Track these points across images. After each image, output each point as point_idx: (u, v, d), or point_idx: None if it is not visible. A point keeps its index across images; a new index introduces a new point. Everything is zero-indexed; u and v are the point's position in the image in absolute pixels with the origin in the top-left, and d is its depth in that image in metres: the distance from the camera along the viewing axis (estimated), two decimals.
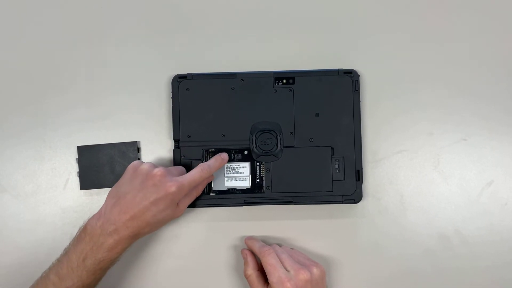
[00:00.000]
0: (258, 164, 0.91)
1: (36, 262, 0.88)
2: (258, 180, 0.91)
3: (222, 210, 0.93)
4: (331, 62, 0.93)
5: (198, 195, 0.89)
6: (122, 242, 0.81)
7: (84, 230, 0.82)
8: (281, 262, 0.84)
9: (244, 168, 0.91)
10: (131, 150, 0.92)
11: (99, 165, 0.92)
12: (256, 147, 0.90)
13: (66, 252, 0.82)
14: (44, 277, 0.81)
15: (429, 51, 0.94)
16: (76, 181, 0.93)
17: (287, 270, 0.82)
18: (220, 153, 0.89)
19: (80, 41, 0.95)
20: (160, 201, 0.81)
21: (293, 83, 0.91)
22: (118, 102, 0.94)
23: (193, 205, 0.90)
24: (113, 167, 0.92)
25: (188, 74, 0.92)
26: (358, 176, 0.90)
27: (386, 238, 0.93)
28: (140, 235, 0.83)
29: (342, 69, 0.91)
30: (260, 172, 0.91)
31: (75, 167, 0.93)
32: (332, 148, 0.90)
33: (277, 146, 0.90)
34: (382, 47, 0.94)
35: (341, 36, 0.95)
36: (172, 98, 0.91)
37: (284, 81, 0.91)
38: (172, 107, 0.91)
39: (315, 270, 0.83)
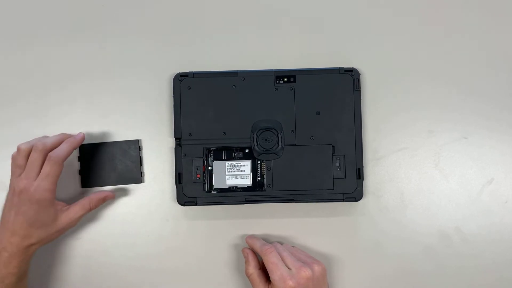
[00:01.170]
0: (259, 162, 0.91)
1: (36, 260, 0.88)
2: (259, 178, 0.91)
3: (223, 208, 0.93)
4: (332, 61, 0.93)
5: (92, 208, 0.89)
6: (14, 257, 0.83)
7: None
8: (283, 260, 0.84)
9: (245, 166, 0.91)
10: (133, 148, 0.92)
11: (101, 163, 0.92)
12: (257, 145, 0.90)
13: None
14: None
15: (429, 49, 0.94)
16: (76, 179, 0.93)
17: (289, 268, 0.83)
18: (75, 135, 0.90)
19: (81, 39, 0.95)
20: (28, 210, 0.83)
21: (294, 81, 0.91)
22: (119, 100, 0.94)
23: (194, 203, 0.90)
24: (114, 165, 0.92)
25: (190, 72, 0.92)
26: (359, 174, 0.90)
27: (387, 236, 0.93)
28: (31, 247, 0.85)
29: (343, 67, 0.91)
30: (261, 170, 0.91)
31: (75, 165, 0.93)
32: (333, 146, 0.90)
33: (278, 144, 0.90)
34: (382, 46, 0.94)
35: (342, 34, 0.95)
36: (173, 96, 0.91)
37: (285, 79, 0.91)
38: (174, 105, 0.91)
39: (316, 268, 0.83)
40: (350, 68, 0.91)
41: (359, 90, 0.91)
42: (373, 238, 0.93)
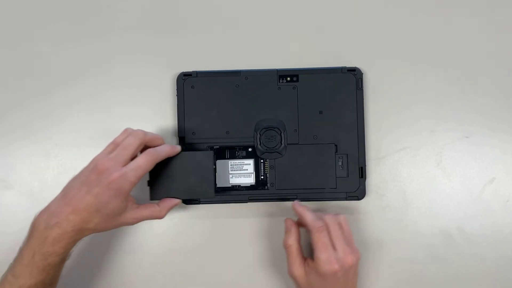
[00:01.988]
0: (262, 161, 0.91)
1: None
2: (262, 177, 0.91)
3: (226, 207, 0.93)
4: (334, 60, 0.93)
5: (161, 217, 0.85)
6: (65, 236, 0.77)
7: (32, 225, 0.80)
8: (331, 240, 0.83)
9: (248, 165, 0.92)
10: (206, 160, 0.87)
11: (172, 175, 0.87)
12: (260, 144, 0.91)
13: (20, 249, 0.80)
14: (3, 278, 0.79)
15: (432, 49, 0.94)
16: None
17: (336, 249, 0.83)
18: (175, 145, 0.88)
19: (85, 38, 0.95)
20: (102, 194, 0.77)
21: (297, 80, 0.92)
22: (123, 99, 0.94)
23: (197, 202, 0.91)
24: (186, 177, 0.87)
25: (193, 72, 0.92)
26: (362, 173, 0.91)
27: (389, 234, 0.93)
28: (85, 231, 0.79)
29: (345, 67, 0.92)
30: (264, 169, 0.91)
31: (81, 164, 0.93)
32: (336, 145, 0.91)
33: (281, 143, 0.91)
34: (385, 45, 0.95)
35: (344, 34, 0.95)
36: (177, 95, 0.92)
37: (288, 78, 0.92)
38: (177, 104, 0.92)
39: (358, 256, 0.84)
40: (353, 67, 0.92)
41: (362, 90, 0.91)
42: (375, 237, 0.93)
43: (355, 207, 0.93)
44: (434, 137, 0.94)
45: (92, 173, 0.79)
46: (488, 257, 0.93)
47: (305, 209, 0.87)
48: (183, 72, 0.92)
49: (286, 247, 0.87)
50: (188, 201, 0.91)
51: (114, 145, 0.82)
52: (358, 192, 0.91)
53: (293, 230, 0.87)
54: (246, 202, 0.91)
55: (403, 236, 0.92)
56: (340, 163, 0.91)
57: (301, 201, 0.90)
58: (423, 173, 0.94)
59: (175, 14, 0.96)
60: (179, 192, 0.87)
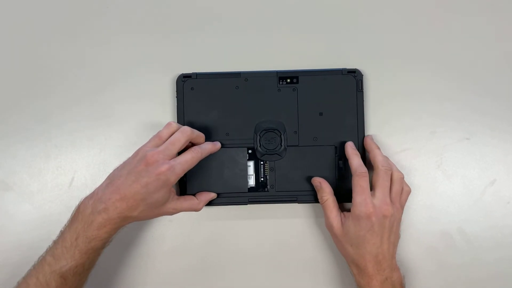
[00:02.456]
0: (262, 163, 0.91)
1: None
2: (262, 179, 0.91)
3: (226, 209, 0.93)
4: (334, 62, 0.93)
5: (198, 209, 0.88)
6: (111, 221, 0.80)
7: (77, 209, 0.82)
8: (375, 188, 0.85)
9: (248, 167, 0.91)
10: (241, 156, 0.91)
11: (208, 170, 0.91)
12: (260, 146, 0.91)
13: (61, 232, 0.82)
14: (41, 259, 0.81)
15: (432, 50, 0.94)
16: (81, 179, 0.93)
17: (375, 196, 0.84)
18: (214, 142, 0.90)
19: (85, 39, 0.95)
20: (150, 184, 0.80)
21: (297, 82, 0.91)
22: (123, 101, 0.94)
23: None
24: (221, 172, 0.91)
25: (193, 73, 0.92)
26: None
27: None
28: (129, 219, 0.82)
29: (345, 68, 0.91)
30: (264, 171, 0.91)
31: (80, 166, 0.93)
32: (336, 147, 0.90)
33: (281, 145, 0.90)
34: (385, 47, 0.95)
35: (345, 35, 0.95)
36: (176, 97, 0.92)
37: (288, 80, 0.91)
38: (177, 106, 0.92)
39: (397, 213, 0.85)
40: (353, 69, 0.91)
41: (362, 91, 0.91)
42: None
43: None
44: (434, 138, 0.93)
45: (140, 163, 0.81)
46: (489, 258, 0.93)
47: (355, 154, 0.88)
48: (182, 74, 0.92)
49: (322, 203, 0.88)
50: None
51: (159, 139, 0.85)
52: None
53: (324, 185, 0.89)
54: (246, 204, 0.91)
55: (404, 238, 0.92)
56: (340, 165, 0.90)
57: (301, 203, 0.91)
58: (423, 174, 0.94)
59: (175, 15, 0.95)
60: (215, 186, 0.91)
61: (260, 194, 0.91)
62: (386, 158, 0.88)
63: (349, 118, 0.91)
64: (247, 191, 0.91)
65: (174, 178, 0.81)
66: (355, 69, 0.92)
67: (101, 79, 0.94)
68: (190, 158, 0.84)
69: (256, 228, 0.93)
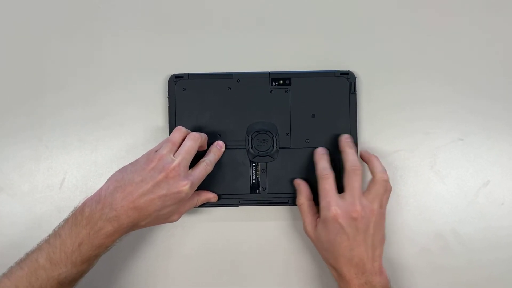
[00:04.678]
0: (253, 164, 0.91)
1: None
2: (253, 181, 0.91)
3: (217, 211, 0.93)
4: (327, 63, 0.92)
5: (197, 205, 0.88)
6: (120, 230, 0.77)
7: (81, 213, 0.77)
8: (345, 189, 0.83)
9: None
10: (244, 156, 0.91)
11: (218, 170, 0.89)
12: (252, 148, 0.90)
13: (59, 235, 0.77)
14: (32, 260, 0.76)
15: (425, 53, 0.94)
16: (72, 180, 0.93)
17: (344, 198, 0.82)
18: (216, 142, 0.89)
19: (76, 40, 0.95)
20: (168, 197, 0.78)
21: (290, 84, 0.91)
22: (114, 101, 0.94)
23: None
24: (224, 173, 0.90)
25: (185, 74, 0.91)
26: None
27: None
28: (137, 227, 0.79)
29: (338, 70, 0.91)
30: (255, 172, 0.90)
31: (71, 167, 0.93)
32: (328, 149, 0.90)
33: (273, 147, 0.90)
34: (379, 49, 0.94)
35: (338, 37, 0.94)
36: (168, 97, 0.91)
37: (281, 82, 0.91)
38: (168, 106, 0.91)
39: (373, 213, 0.82)
40: (346, 71, 0.91)
41: (355, 93, 0.91)
42: None
43: None
44: (428, 139, 0.93)
45: (158, 173, 0.78)
46: (483, 260, 0.92)
47: (321, 158, 0.87)
48: (174, 74, 0.92)
49: (298, 206, 0.87)
50: None
51: (173, 144, 0.82)
52: None
53: (302, 188, 0.88)
54: (237, 206, 0.91)
55: (397, 240, 0.92)
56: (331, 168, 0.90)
57: (293, 205, 0.90)
58: (417, 175, 0.93)
59: (167, 15, 0.95)
60: (217, 187, 0.90)
61: (252, 196, 0.90)
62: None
63: (341, 120, 0.90)
64: (249, 192, 0.90)
65: (191, 193, 0.81)
66: (348, 71, 0.91)
67: (92, 80, 0.94)
68: (204, 173, 0.84)
69: (248, 230, 0.93)
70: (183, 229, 0.93)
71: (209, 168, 0.85)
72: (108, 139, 0.93)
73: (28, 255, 0.78)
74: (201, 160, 0.85)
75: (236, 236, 0.93)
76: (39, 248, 0.78)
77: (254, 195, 0.91)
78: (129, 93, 0.94)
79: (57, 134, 0.93)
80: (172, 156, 0.80)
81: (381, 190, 0.84)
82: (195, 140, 0.83)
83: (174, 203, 0.80)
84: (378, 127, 0.93)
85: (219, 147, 0.89)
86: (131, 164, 0.81)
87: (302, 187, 0.88)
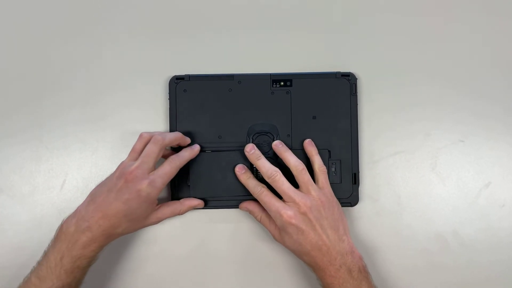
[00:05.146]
0: (254, 166, 0.90)
1: (32, 263, 0.86)
2: None
3: (217, 212, 0.93)
4: (328, 65, 0.92)
5: (181, 213, 0.89)
6: (95, 240, 0.81)
7: (60, 229, 0.82)
8: (283, 195, 0.84)
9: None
10: (242, 159, 0.90)
11: (210, 174, 0.90)
12: None
13: (45, 253, 0.82)
14: (26, 280, 0.81)
15: (426, 54, 0.94)
16: (72, 182, 0.93)
17: (285, 201, 0.84)
18: (192, 145, 0.90)
19: (77, 41, 0.95)
20: (131, 201, 0.81)
21: (291, 85, 0.91)
22: (115, 103, 0.94)
23: None
24: (224, 176, 0.90)
25: (186, 75, 0.91)
26: (355, 179, 0.90)
27: (384, 239, 0.93)
28: (114, 235, 0.83)
29: (339, 72, 0.91)
30: (256, 174, 0.90)
31: (72, 168, 0.93)
32: (329, 151, 0.90)
33: None
34: (379, 50, 0.94)
35: (339, 39, 0.94)
36: (169, 99, 0.91)
37: (282, 83, 0.91)
38: (169, 108, 0.91)
39: (314, 198, 0.83)
40: (347, 72, 0.91)
41: (356, 95, 0.91)
42: (369, 242, 0.93)
43: (349, 212, 0.92)
44: (429, 140, 0.93)
45: (119, 180, 0.82)
46: (484, 261, 0.92)
47: (247, 179, 0.88)
48: (175, 76, 0.92)
49: (259, 222, 0.89)
50: None
51: (134, 152, 0.86)
52: (351, 198, 0.91)
53: (251, 207, 0.89)
54: (237, 208, 0.91)
55: (398, 241, 0.92)
56: (333, 169, 0.90)
57: None
58: (418, 177, 0.93)
59: (167, 17, 0.95)
60: (218, 190, 0.90)
61: (252, 197, 0.89)
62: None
63: (342, 122, 0.90)
64: (249, 194, 0.89)
65: (155, 192, 0.82)
66: (349, 72, 0.91)
67: (93, 82, 0.94)
68: (169, 170, 0.84)
69: (247, 232, 0.93)
70: (182, 230, 0.93)
71: (174, 165, 0.85)
72: (109, 141, 0.93)
73: (24, 278, 0.82)
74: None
75: (236, 237, 0.93)
76: (32, 269, 0.82)
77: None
78: (130, 94, 0.94)
79: (58, 135, 0.93)
80: (132, 162, 0.84)
81: (306, 177, 0.85)
82: (155, 143, 0.84)
83: (139, 205, 0.82)
84: (378, 128, 0.93)
85: (194, 147, 0.89)
86: (106, 178, 0.86)
87: (250, 206, 0.89)
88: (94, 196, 0.83)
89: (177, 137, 0.87)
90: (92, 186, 0.90)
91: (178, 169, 0.85)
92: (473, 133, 0.93)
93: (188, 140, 0.90)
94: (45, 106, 0.93)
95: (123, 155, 0.85)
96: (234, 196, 0.90)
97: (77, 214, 0.82)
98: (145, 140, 0.86)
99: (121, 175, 0.82)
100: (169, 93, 0.91)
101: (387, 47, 0.94)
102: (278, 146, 0.88)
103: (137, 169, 0.82)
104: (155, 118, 0.93)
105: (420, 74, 0.94)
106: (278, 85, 0.91)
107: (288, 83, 0.91)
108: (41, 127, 0.93)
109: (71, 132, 0.93)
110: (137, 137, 0.89)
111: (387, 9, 0.95)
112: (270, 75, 0.91)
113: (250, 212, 0.89)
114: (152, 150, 0.84)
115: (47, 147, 0.93)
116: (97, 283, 0.91)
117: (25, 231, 0.92)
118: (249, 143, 0.89)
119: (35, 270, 0.81)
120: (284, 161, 0.87)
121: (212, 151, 0.90)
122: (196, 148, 0.89)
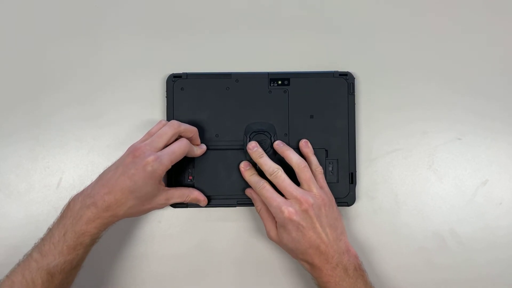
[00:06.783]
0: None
1: None
2: None
3: (215, 211, 0.93)
4: (326, 64, 0.92)
5: (187, 200, 0.89)
6: (100, 216, 0.80)
7: (67, 206, 0.82)
8: (284, 191, 0.84)
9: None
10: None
11: (216, 171, 0.91)
12: None
13: (50, 229, 0.82)
14: (27, 256, 0.80)
15: (423, 53, 0.94)
16: (69, 180, 0.93)
17: (287, 198, 0.83)
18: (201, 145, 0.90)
19: (74, 40, 0.94)
20: (137, 175, 0.79)
21: (288, 84, 0.91)
22: (112, 101, 0.93)
23: (186, 205, 0.90)
24: (230, 173, 0.91)
25: (183, 73, 0.91)
26: (352, 179, 0.90)
27: (381, 237, 0.93)
28: (119, 214, 0.81)
29: (337, 71, 0.91)
30: (258, 172, 0.90)
31: (68, 166, 0.93)
32: (326, 150, 0.90)
33: (271, 147, 0.90)
34: (377, 50, 0.94)
35: (337, 38, 0.94)
36: (166, 97, 0.91)
37: (279, 82, 0.91)
38: (167, 106, 0.91)
39: (316, 196, 0.83)
40: (345, 72, 0.91)
41: (353, 94, 0.91)
42: (366, 239, 0.93)
43: (346, 211, 0.92)
44: (426, 138, 0.93)
45: (128, 157, 0.82)
46: (481, 259, 0.93)
47: (249, 175, 0.88)
48: (173, 74, 0.91)
49: (258, 212, 0.89)
50: (176, 204, 0.90)
51: (148, 135, 0.86)
52: (348, 198, 0.91)
53: (255, 196, 0.89)
54: (235, 206, 0.91)
55: (395, 239, 0.92)
56: (330, 168, 0.90)
57: None
58: (415, 175, 0.93)
59: (165, 15, 0.94)
60: (215, 188, 0.91)
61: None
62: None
63: (340, 121, 0.90)
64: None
65: (162, 168, 0.81)
66: (347, 72, 0.91)
67: (90, 80, 0.94)
68: (177, 149, 0.83)
69: (245, 230, 0.93)
70: (181, 228, 0.93)
71: (182, 146, 0.84)
72: (105, 139, 0.93)
73: (24, 256, 0.81)
74: None
75: (234, 236, 0.93)
76: (34, 245, 0.82)
77: None
78: (127, 92, 0.93)
79: (54, 133, 0.93)
80: (143, 142, 0.84)
81: (308, 175, 0.85)
82: (170, 126, 0.85)
83: (145, 181, 0.80)
84: (376, 127, 0.93)
85: (202, 146, 0.90)
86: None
87: (254, 195, 0.89)
88: (102, 175, 0.83)
89: (192, 129, 0.87)
90: (89, 184, 0.90)
91: (186, 151, 0.85)
92: (470, 131, 0.93)
93: (199, 141, 0.89)
94: (41, 104, 0.93)
95: (119, 153, 0.85)
96: (235, 195, 0.90)
97: (84, 192, 0.82)
98: (162, 126, 0.86)
99: (129, 152, 0.82)
100: (166, 91, 0.91)
101: (384, 46, 0.94)
102: (280, 145, 0.88)
103: (146, 146, 0.82)
104: (152, 116, 0.93)
105: (417, 73, 0.94)
106: (275, 84, 0.91)
107: (286, 82, 0.91)
108: (37, 125, 0.93)
109: (68, 130, 0.93)
110: (133, 135, 0.89)
111: (385, 8, 0.94)
112: (268, 74, 0.91)
113: (253, 200, 0.89)
114: (165, 132, 0.84)
115: (43, 145, 0.93)
116: (97, 281, 0.92)
117: (21, 229, 0.92)
118: (246, 141, 0.89)
119: (37, 246, 0.80)
120: (286, 159, 0.87)
121: (209, 149, 0.90)
122: (204, 147, 0.90)
